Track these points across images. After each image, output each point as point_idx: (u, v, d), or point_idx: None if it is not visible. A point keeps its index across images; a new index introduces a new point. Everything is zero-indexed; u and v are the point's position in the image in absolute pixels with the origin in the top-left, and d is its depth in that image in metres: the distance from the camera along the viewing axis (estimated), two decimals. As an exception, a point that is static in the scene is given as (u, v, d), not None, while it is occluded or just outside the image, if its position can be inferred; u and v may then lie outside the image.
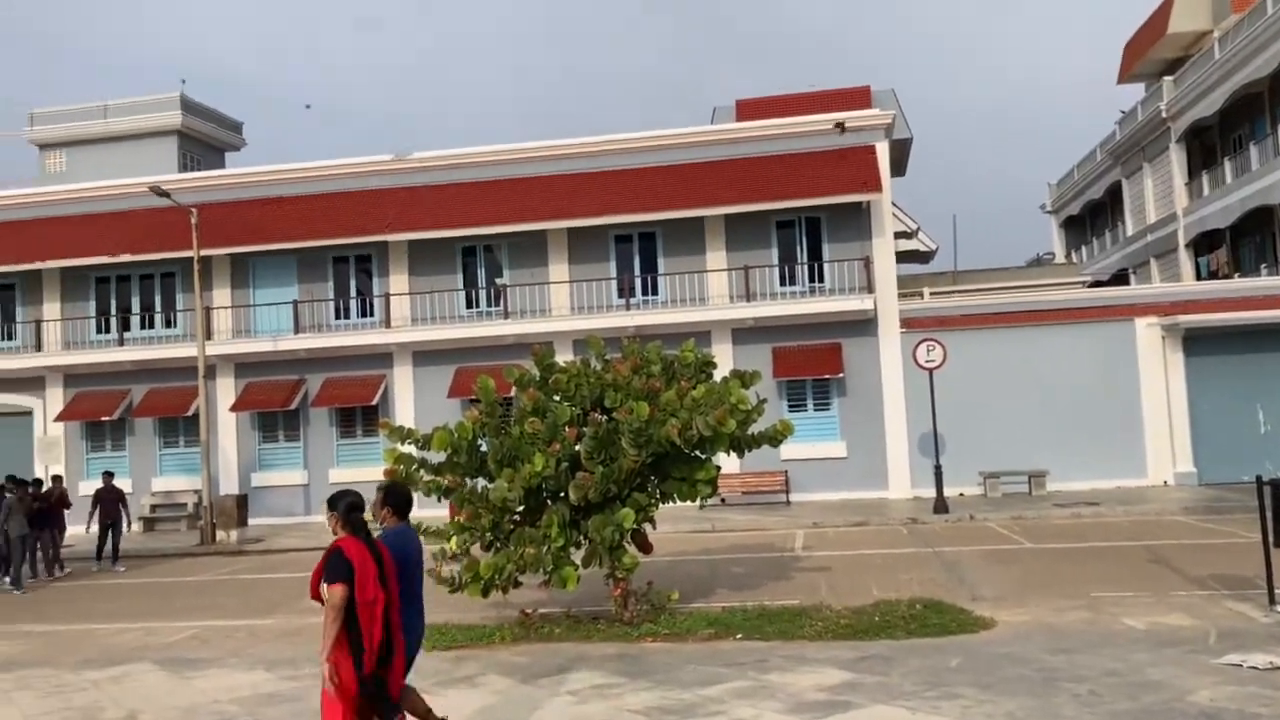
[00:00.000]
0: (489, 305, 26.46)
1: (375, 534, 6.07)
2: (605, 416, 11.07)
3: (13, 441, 28.03)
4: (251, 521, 24.16)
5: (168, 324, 27.97)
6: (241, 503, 23.46)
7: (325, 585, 5.62)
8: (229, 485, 26.15)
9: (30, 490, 18.70)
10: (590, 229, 25.61)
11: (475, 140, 27.01)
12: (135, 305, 28.20)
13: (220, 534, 22.62)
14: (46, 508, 18.87)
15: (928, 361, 21.67)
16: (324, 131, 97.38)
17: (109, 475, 20.77)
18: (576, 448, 10.86)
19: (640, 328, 23.98)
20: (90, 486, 25.51)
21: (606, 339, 13.19)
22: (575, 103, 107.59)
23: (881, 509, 22.18)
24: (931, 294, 29.32)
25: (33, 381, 27.97)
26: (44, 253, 27.22)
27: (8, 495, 17.96)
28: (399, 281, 26.74)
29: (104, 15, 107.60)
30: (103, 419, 27.23)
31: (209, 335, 25.47)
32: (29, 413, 28.21)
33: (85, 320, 28.10)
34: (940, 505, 20.80)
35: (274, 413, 26.84)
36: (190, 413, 26.05)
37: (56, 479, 20.32)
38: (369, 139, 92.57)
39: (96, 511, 20.05)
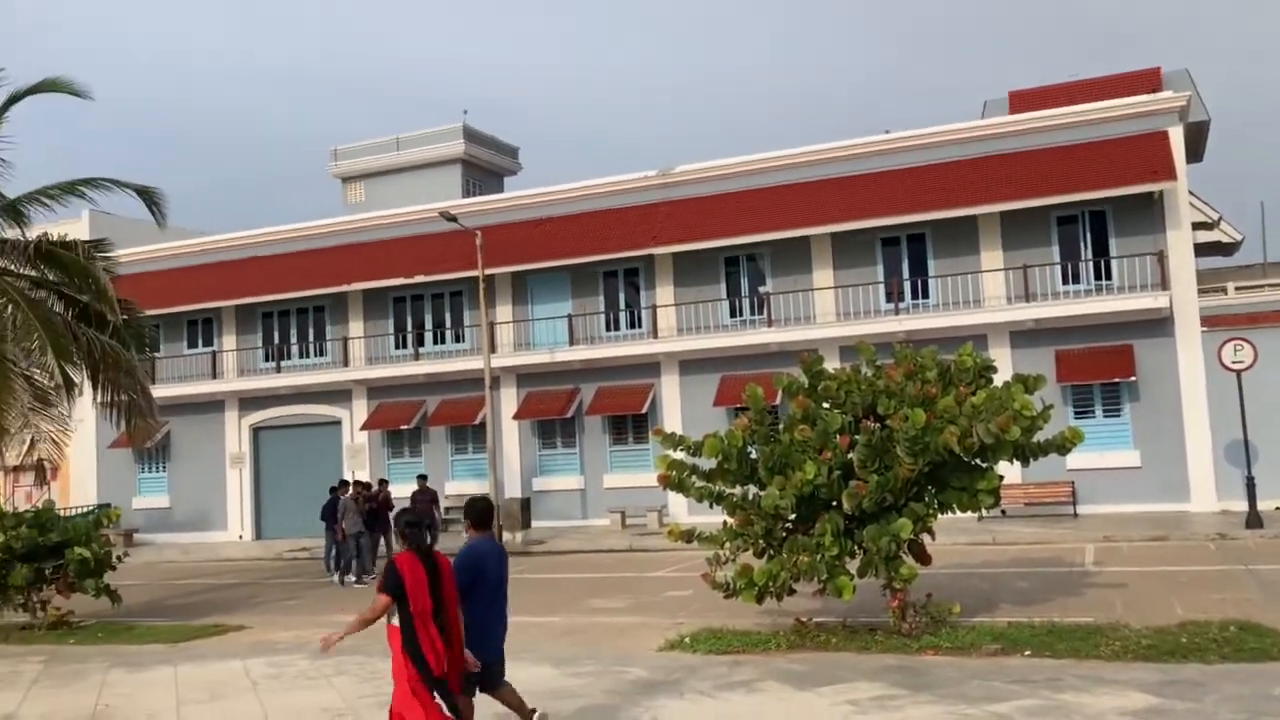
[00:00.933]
0: (753, 313, 26.60)
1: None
2: (878, 424, 10.87)
3: (324, 448, 30.95)
4: (534, 524, 25.47)
5: (456, 339, 29.99)
6: (525, 506, 24.78)
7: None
8: (513, 489, 27.66)
9: (362, 492, 20.63)
10: (855, 233, 25.21)
11: (735, 151, 27.30)
12: (428, 322, 30.43)
13: (506, 535, 23.97)
14: (375, 509, 20.64)
15: (1235, 362, 19.80)
16: (592, 151, 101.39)
17: (423, 479, 22.18)
18: (849, 456, 10.71)
19: (910, 332, 23.34)
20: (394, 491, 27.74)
21: (875, 344, 12.93)
22: (826, 104, 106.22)
23: (1182, 523, 20.43)
24: (1237, 289, 26.74)
25: (340, 394, 30.76)
26: (349, 276, 29.90)
27: (343, 496, 19.99)
28: (665, 293, 27.39)
29: (391, 55, 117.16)
30: (401, 427, 29.56)
31: (493, 349, 27.09)
32: (338, 422, 31.05)
33: (385, 337, 30.61)
34: (1254, 519, 18.91)
35: (552, 421, 28.18)
36: (478, 421, 27.79)
37: (383, 482, 22.03)
38: (631, 156, 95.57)
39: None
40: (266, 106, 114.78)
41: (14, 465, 29.29)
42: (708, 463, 11.53)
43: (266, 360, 31.97)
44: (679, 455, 11.64)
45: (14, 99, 16.56)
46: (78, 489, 32.38)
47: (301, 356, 31.83)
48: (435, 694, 6.48)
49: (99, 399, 17.98)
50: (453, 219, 25.94)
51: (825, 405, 11.40)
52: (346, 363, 30.56)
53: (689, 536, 11.40)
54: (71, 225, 26.22)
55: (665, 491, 25.31)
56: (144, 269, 31.07)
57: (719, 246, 26.18)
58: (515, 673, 10.13)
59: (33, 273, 17.14)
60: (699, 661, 10.30)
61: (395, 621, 6.54)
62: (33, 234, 17.25)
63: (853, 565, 10.90)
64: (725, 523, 11.35)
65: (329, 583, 19.64)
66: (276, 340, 32.09)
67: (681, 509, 24.82)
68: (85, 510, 25.75)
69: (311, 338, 31.89)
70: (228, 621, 14.85)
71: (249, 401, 31.90)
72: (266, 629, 14.11)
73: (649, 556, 20.57)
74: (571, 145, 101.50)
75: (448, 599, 6.62)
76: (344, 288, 29.99)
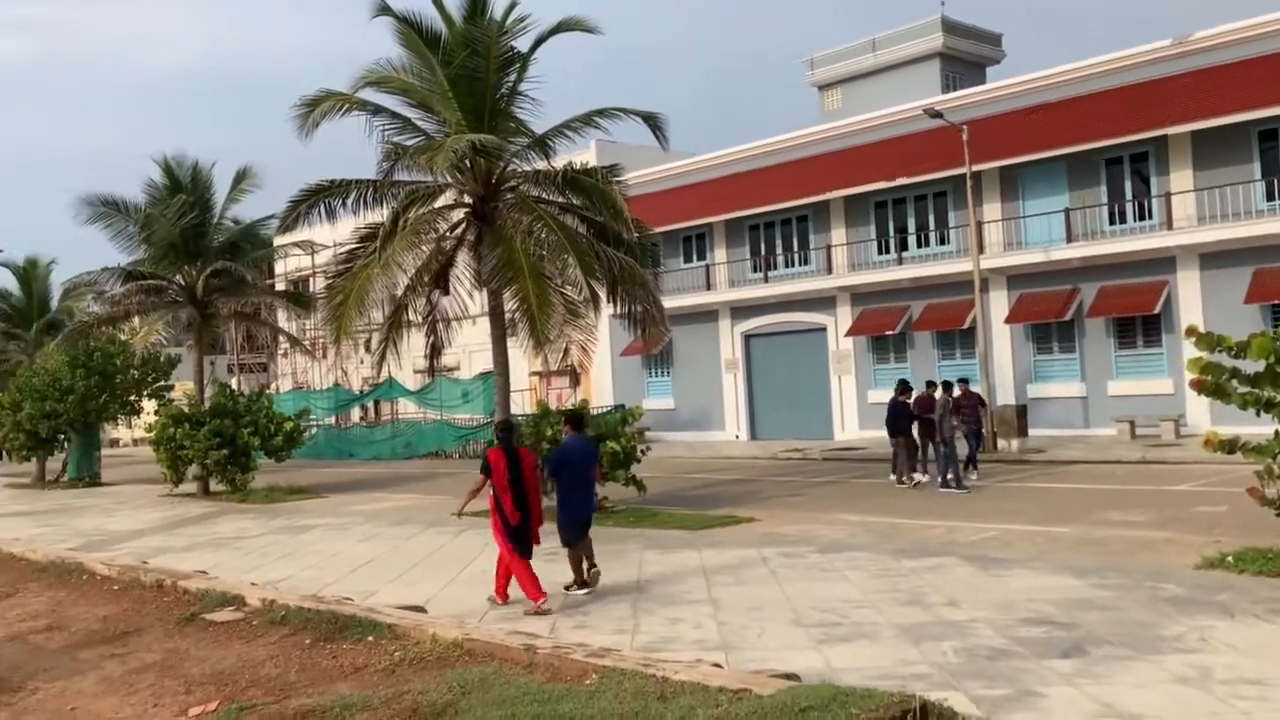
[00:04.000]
0: (1295, 195, 22.93)
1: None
2: None
3: (811, 354, 31.85)
4: (1030, 432, 24.34)
5: (941, 241, 29.17)
6: (1021, 413, 23.74)
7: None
8: (1005, 396, 26.57)
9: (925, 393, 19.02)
10: None
11: (1265, 8, 23.16)
12: (911, 225, 29.89)
13: (1001, 443, 23.18)
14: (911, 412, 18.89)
15: None
16: (1078, 32, 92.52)
17: (964, 382, 20.13)
18: None
19: None
20: (879, 396, 27.92)
21: None
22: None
23: None
24: None
25: (824, 301, 31.32)
26: (829, 184, 30.13)
27: (937, 397, 18.62)
28: (1181, 178, 24.44)
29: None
30: (885, 333, 29.53)
31: (981, 249, 25.98)
32: (823, 329, 31.72)
33: (867, 243, 30.57)
34: None
35: (1048, 324, 26.55)
36: (966, 325, 26.96)
37: (963, 381, 20.23)
38: (1127, 31, 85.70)
39: (960, 419, 18.96)
40: (743, 17, 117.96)
41: (549, 371, 33.51)
42: (1252, 366, 10.20)
43: (754, 271, 33.41)
44: (1215, 357, 10.41)
45: (540, 41, 18.40)
46: (597, 392, 36.29)
47: (787, 266, 32.82)
48: (512, 539, 9.59)
49: (616, 310, 19.86)
50: (937, 115, 25.04)
51: None
52: (830, 270, 30.99)
53: (1231, 447, 10.20)
54: (580, 154, 28.97)
55: (1185, 399, 23.20)
56: (643, 190, 33.64)
57: (1252, 120, 22.76)
58: (1034, 580, 9.83)
59: (560, 199, 19.21)
60: (1246, 583, 9.26)
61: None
62: (558, 164, 19.28)
63: None
64: (1277, 432, 10.00)
65: (895, 484, 18.87)
66: (763, 251, 33.35)
67: (1203, 418, 22.37)
68: (605, 410, 28.80)
69: (795, 247, 32.70)
70: (738, 513, 15.88)
71: (739, 310, 33.61)
72: (774, 522, 14.91)
73: (1167, 469, 18.83)
74: (1054, 26, 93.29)
75: (526, 479, 9.73)
76: (825, 196, 30.31)
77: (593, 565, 10.22)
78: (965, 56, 41.35)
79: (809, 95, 46.38)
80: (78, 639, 9.31)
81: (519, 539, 9.56)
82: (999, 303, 27.30)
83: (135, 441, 56.36)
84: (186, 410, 24.47)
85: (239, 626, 9.04)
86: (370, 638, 8.04)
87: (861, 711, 5.35)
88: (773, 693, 5.76)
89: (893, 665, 7.08)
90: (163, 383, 31.53)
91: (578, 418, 10.88)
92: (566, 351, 18.84)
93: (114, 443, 55.66)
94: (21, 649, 9.13)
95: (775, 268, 32.98)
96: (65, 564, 12.75)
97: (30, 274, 36.20)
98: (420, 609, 9.20)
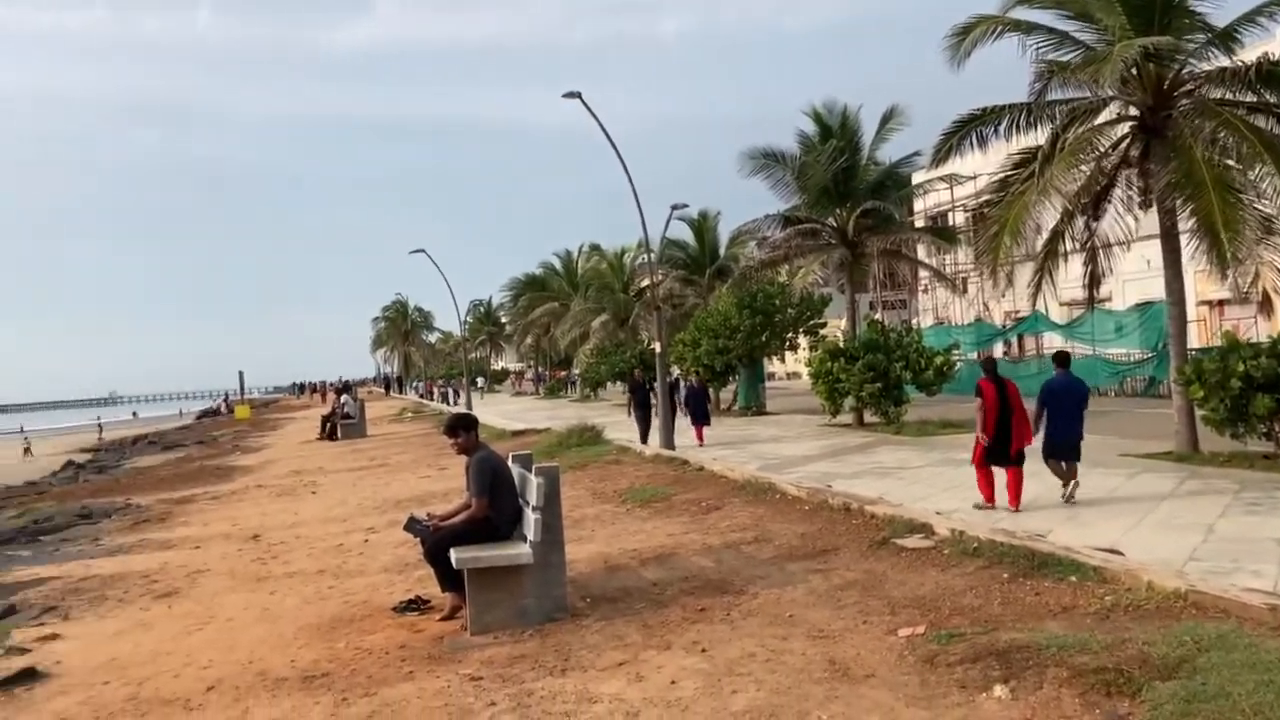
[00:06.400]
0: None
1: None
2: None
3: None
4: None
5: None
6: None
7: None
8: None
9: None
10: None
11: None
12: None
13: None
14: None
15: None
16: None
17: None
18: None
19: None
20: None
21: None
22: None
23: None
24: None
25: None
26: None
27: None
28: None
29: None
30: None
31: None
32: None
33: None
34: None
35: None
36: None
37: None
38: None
39: None
40: None
41: (1220, 299, 29.81)
42: None
43: None
44: None
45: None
46: (1283, 321, 31.31)
47: None
48: (987, 451, 11.91)
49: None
50: None
51: None
52: None
53: None
54: (1268, 45, 24.83)
55: None
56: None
57: None
58: None
59: (1249, 98, 16.73)
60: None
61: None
62: (1246, 58, 16.76)
63: None
64: None
65: None
66: None
67: None
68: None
69: None
70: None
71: None
72: None
73: None
74: None
75: (1012, 406, 11.74)
76: None
77: (1071, 479, 12.28)
78: None
79: None
80: (782, 552, 10.25)
81: (993, 452, 11.86)
82: None
83: (788, 375, 61.44)
84: (841, 345, 25.90)
85: (930, 554, 9.25)
86: (1073, 578, 7.70)
87: None
88: None
89: None
90: (815, 320, 33.72)
91: (1064, 357, 13.26)
92: (1256, 276, 16.59)
93: (770, 376, 61.20)
94: (737, 556, 10.28)
95: None
96: (758, 483, 14.17)
97: (702, 226, 40.91)
98: (1117, 552, 8.65)
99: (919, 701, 5.87)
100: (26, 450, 69.82)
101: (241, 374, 75.61)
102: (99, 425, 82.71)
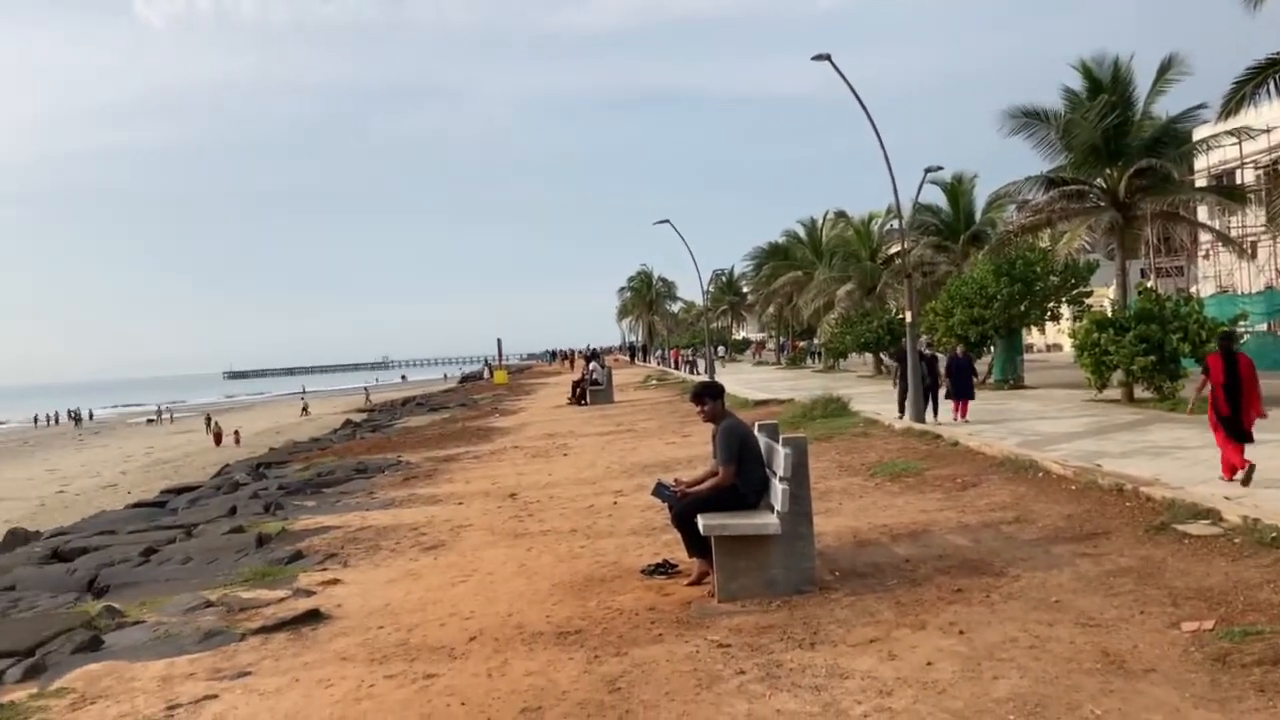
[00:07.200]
0: None
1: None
2: None
3: None
4: None
5: None
6: None
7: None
8: None
9: None
10: None
11: None
12: None
13: None
14: None
15: None
16: None
17: None
18: None
19: None
20: None
21: None
22: None
23: None
24: None
25: None
26: None
27: None
28: None
29: None
30: None
31: None
32: None
33: None
34: None
35: None
36: None
37: None
38: None
39: None
40: None
41: None
42: None
43: None
44: None
45: None
46: None
47: None
48: (1223, 425, 11.44)
49: None
50: None
51: None
52: None
53: None
54: None
55: None
56: None
57: None
58: None
59: None
60: None
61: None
62: None
63: None
64: None
65: None
66: None
67: None
68: None
69: None
70: None
71: None
72: None
73: None
74: None
75: (1244, 379, 11.39)
76: None
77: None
78: None
79: None
80: (1046, 533, 9.65)
81: (1228, 425, 11.44)
82: None
83: (1048, 347, 58.11)
84: (1110, 315, 24.12)
85: (1218, 542, 8.43)
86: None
87: None
88: None
89: None
90: (1081, 289, 31.60)
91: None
92: None
93: (1028, 348, 58.10)
94: (996, 536, 9.76)
95: None
96: (1018, 460, 13.41)
97: (956, 189, 39.13)
98: None
99: (1208, 704, 5.34)
100: (305, 409, 76.28)
101: (499, 341, 79.80)
102: (365, 391, 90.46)
